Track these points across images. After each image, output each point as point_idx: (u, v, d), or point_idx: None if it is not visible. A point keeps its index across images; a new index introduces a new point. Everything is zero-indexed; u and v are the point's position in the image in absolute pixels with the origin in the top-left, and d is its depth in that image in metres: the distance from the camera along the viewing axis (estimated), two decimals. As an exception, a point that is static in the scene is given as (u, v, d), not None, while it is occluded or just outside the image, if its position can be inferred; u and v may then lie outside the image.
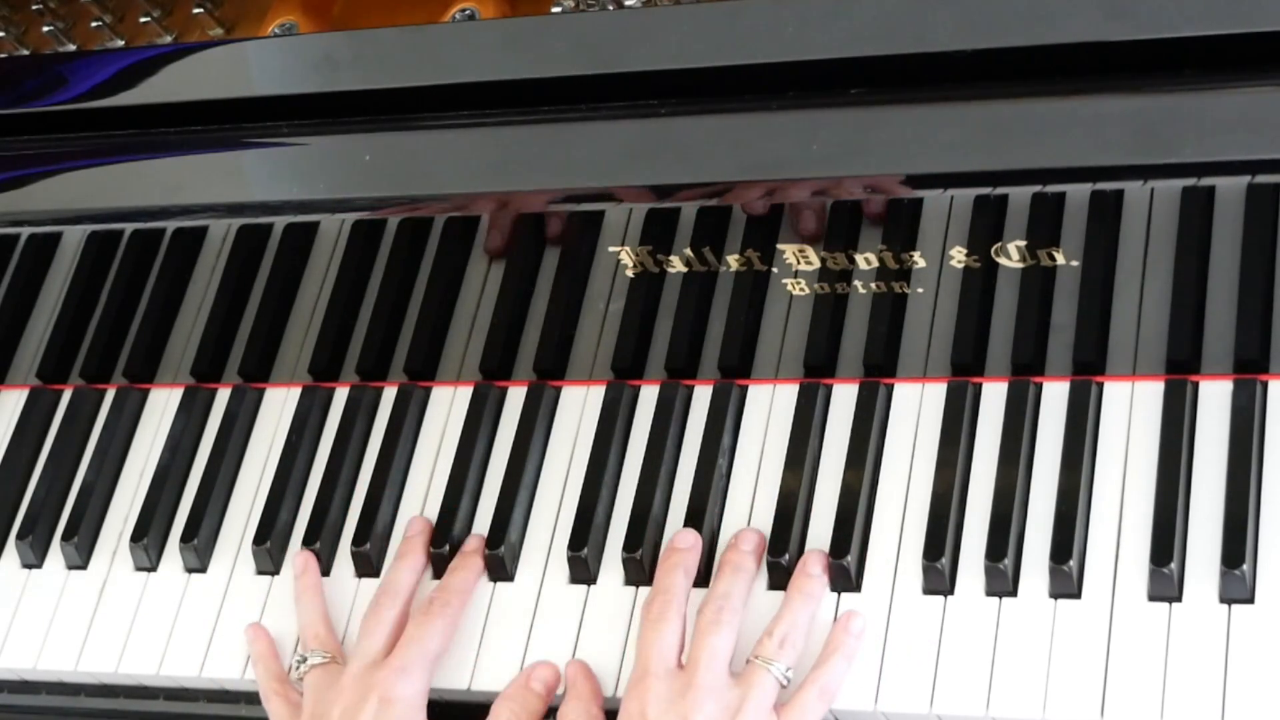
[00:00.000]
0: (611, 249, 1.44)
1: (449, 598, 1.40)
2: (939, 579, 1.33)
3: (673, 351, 1.47)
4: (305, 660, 1.41)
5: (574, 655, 1.38)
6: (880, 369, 1.42)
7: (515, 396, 1.52)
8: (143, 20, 1.55)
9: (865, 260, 1.39)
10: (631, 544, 1.40)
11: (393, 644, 1.39)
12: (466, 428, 1.51)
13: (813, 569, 1.35)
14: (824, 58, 1.31)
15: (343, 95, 1.44)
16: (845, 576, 1.35)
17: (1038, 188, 1.31)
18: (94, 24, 1.56)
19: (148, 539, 1.53)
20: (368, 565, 1.47)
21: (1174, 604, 1.28)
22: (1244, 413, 1.33)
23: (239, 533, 1.53)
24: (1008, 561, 1.31)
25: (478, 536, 1.45)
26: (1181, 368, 1.35)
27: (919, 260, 1.37)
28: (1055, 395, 1.38)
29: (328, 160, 1.45)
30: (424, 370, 1.54)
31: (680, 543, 1.38)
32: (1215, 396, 1.35)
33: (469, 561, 1.43)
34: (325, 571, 1.48)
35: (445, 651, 1.39)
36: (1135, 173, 1.27)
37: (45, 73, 1.53)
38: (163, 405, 1.62)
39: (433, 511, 1.48)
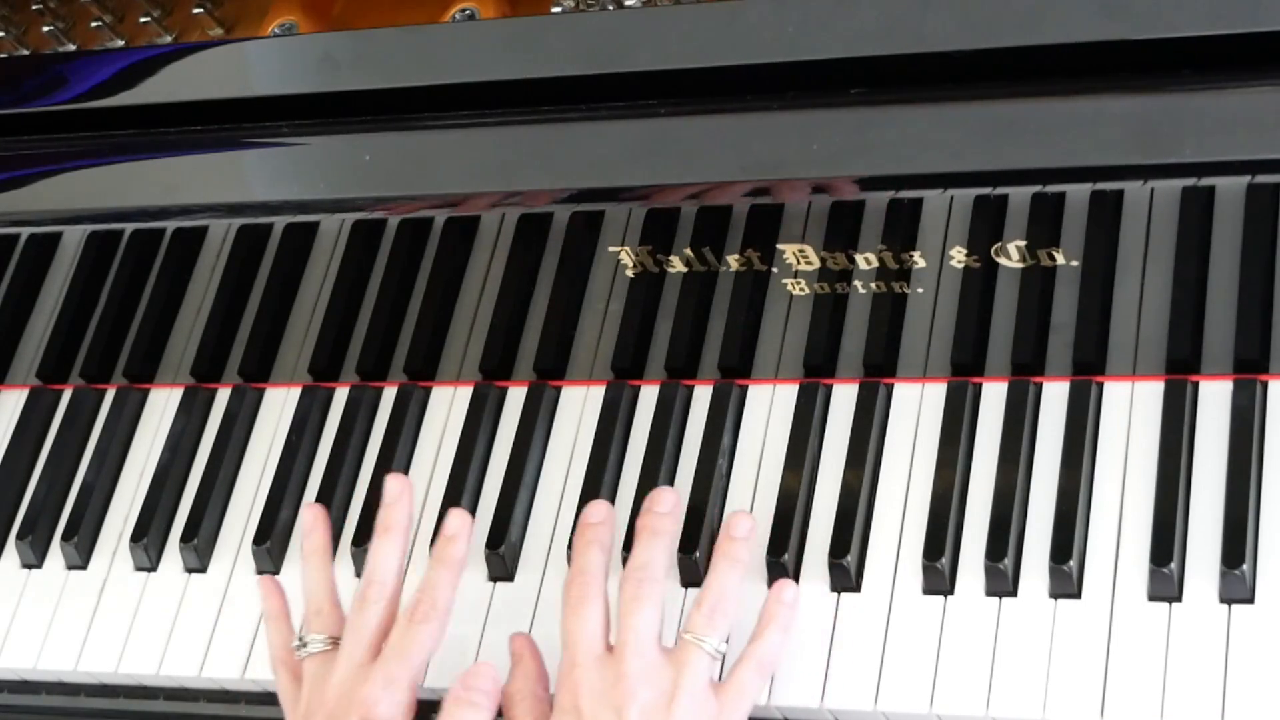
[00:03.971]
0: (611, 249, 1.44)
1: (434, 598, 1.33)
2: (939, 579, 1.33)
3: (673, 351, 1.47)
4: (305, 645, 1.36)
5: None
6: (880, 369, 1.42)
7: (515, 396, 1.52)
8: (143, 20, 1.55)
9: (865, 260, 1.39)
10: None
11: (378, 643, 1.33)
12: (466, 428, 1.51)
13: (736, 531, 1.33)
14: (824, 58, 1.32)
15: (343, 95, 1.44)
16: (845, 576, 1.35)
17: (1038, 188, 1.31)
18: (94, 24, 1.56)
19: (148, 539, 1.53)
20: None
21: (1174, 604, 1.28)
22: (1244, 413, 1.33)
23: (239, 533, 1.53)
24: (1008, 561, 1.31)
25: (457, 514, 1.38)
26: (1181, 368, 1.35)
27: (919, 260, 1.37)
28: (1055, 395, 1.38)
29: (328, 160, 1.45)
30: (424, 370, 1.54)
31: (592, 516, 1.35)
32: (1215, 396, 1.35)
33: (449, 551, 1.36)
34: (325, 571, 1.48)
35: (434, 654, 1.34)
36: (1135, 173, 1.27)
37: (45, 73, 1.53)
38: (163, 405, 1.62)
39: (433, 512, 1.48)
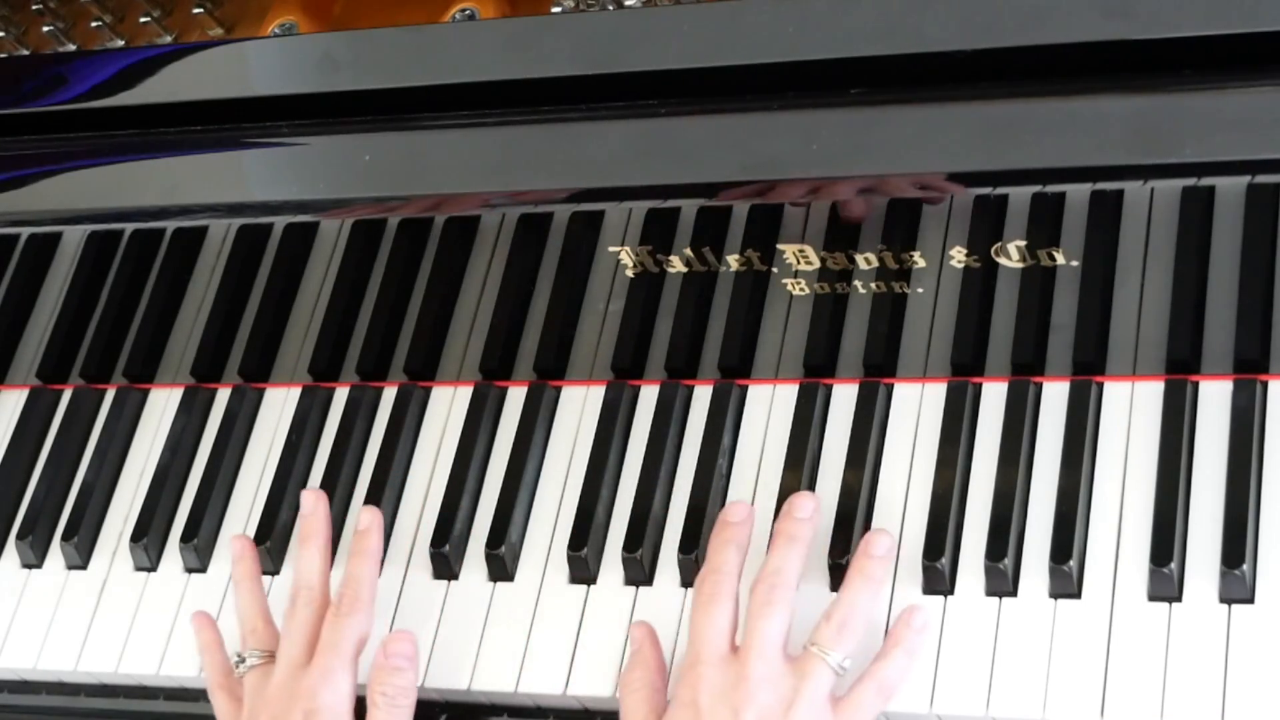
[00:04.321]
0: (611, 249, 1.44)
1: (357, 591, 1.39)
2: (939, 579, 1.33)
3: (673, 351, 1.47)
4: (244, 660, 1.41)
5: (573, 655, 1.38)
6: (880, 369, 1.42)
7: (515, 396, 1.52)
8: (143, 20, 1.55)
9: (865, 260, 1.39)
10: (631, 544, 1.40)
11: (311, 643, 1.38)
12: (466, 428, 1.51)
13: (875, 549, 1.31)
14: (824, 58, 1.31)
15: (343, 95, 1.44)
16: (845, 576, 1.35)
17: (1038, 188, 1.31)
18: (94, 24, 1.56)
19: (148, 539, 1.53)
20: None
21: (1174, 604, 1.28)
22: (1244, 413, 1.33)
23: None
24: (1008, 561, 1.31)
25: (369, 510, 1.44)
26: (1181, 368, 1.35)
27: (919, 260, 1.37)
28: (1055, 395, 1.38)
29: (328, 160, 1.45)
30: (424, 370, 1.54)
31: (732, 516, 1.35)
32: (1215, 396, 1.35)
33: (365, 544, 1.42)
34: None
35: (365, 643, 1.38)
36: (1135, 173, 1.27)
37: (45, 73, 1.53)
38: (163, 405, 1.62)
39: (433, 511, 1.48)
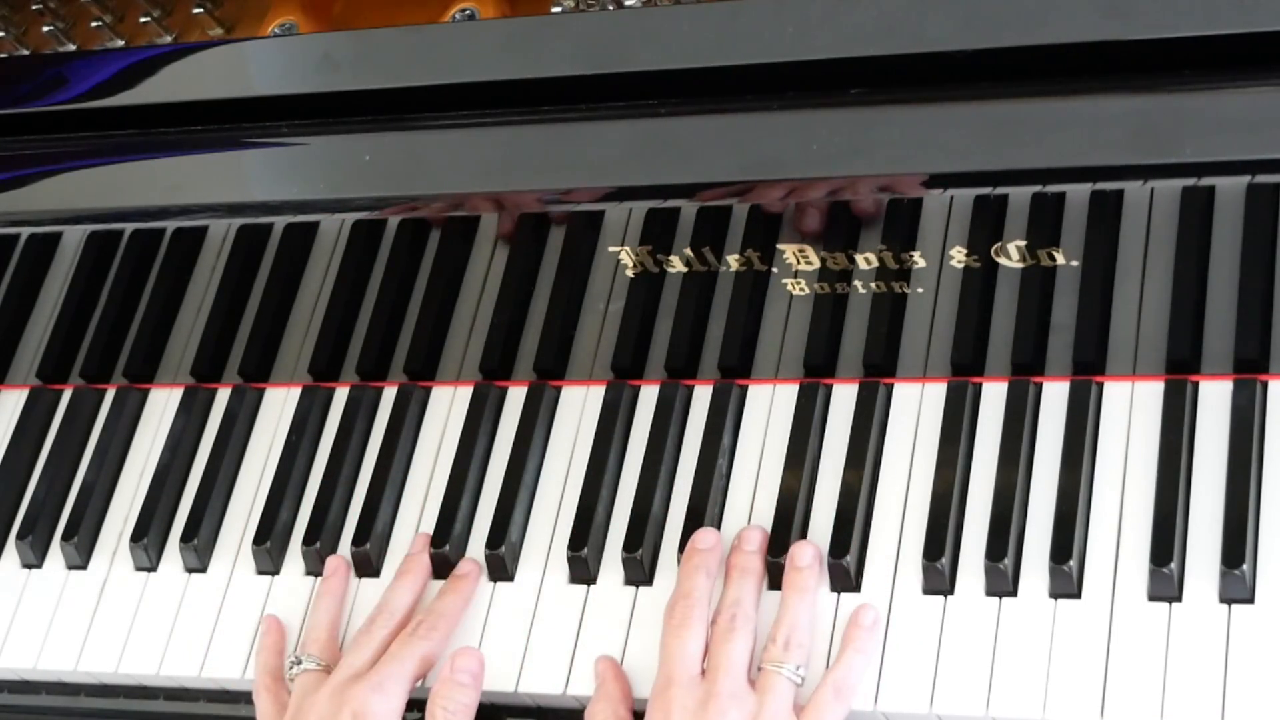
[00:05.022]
0: (611, 249, 1.44)
1: (436, 621, 1.40)
2: (939, 579, 1.33)
3: (673, 351, 1.47)
4: (299, 663, 1.41)
5: (573, 655, 1.38)
6: (880, 369, 1.42)
7: (515, 396, 1.52)
8: (143, 20, 1.55)
9: (865, 260, 1.38)
10: (631, 544, 1.40)
11: (378, 659, 1.39)
12: (466, 428, 1.51)
13: (800, 561, 1.35)
14: (824, 58, 1.31)
15: (343, 95, 1.44)
16: (845, 576, 1.35)
17: (1038, 188, 1.31)
18: (94, 24, 1.56)
19: (148, 539, 1.53)
20: (367, 565, 1.47)
21: (1174, 604, 1.28)
22: (1244, 413, 1.33)
23: (239, 533, 1.53)
24: (1008, 561, 1.31)
25: (471, 561, 1.45)
26: (1181, 368, 1.35)
27: (919, 260, 1.37)
28: (1055, 395, 1.38)
29: (328, 160, 1.45)
30: (424, 370, 1.54)
31: (700, 543, 1.38)
32: (1215, 396, 1.35)
33: (460, 586, 1.43)
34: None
35: (427, 673, 1.39)
36: (1135, 173, 1.27)
37: (45, 73, 1.53)
38: (163, 405, 1.62)
39: (433, 511, 1.48)
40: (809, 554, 1.35)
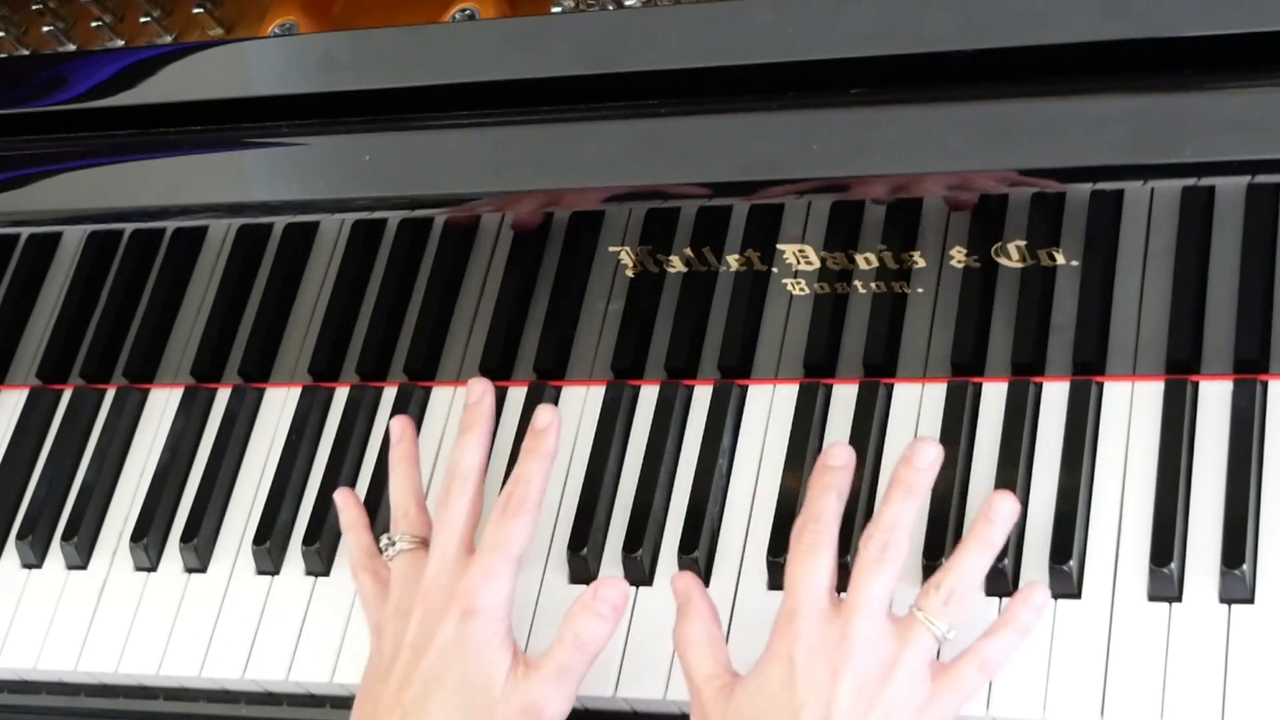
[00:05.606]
0: (611, 249, 1.44)
1: (527, 491, 1.34)
2: (939, 579, 1.33)
3: (673, 351, 1.47)
4: (394, 544, 1.37)
5: (574, 655, 1.38)
6: (880, 369, 1.42)
7: (515, 396, 1.52)
8: (143, 20, 1.55)
9: (865, 260, 1.38)
10: (631, 544, 1.40)
11: (469, 534, 1.35)
12: (466, 428, 1.51)
13: (996, 513, 1.25)
14: (824, 58, 1.31)
15: (343, 95, 1.44)
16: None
17: (1038, 188, 1.31)
18: (94, 24, 1.56)
19: (148, 539, 1.53)
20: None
21: (1174, 604, 1.28)
22: (1244, 413, 1.33)
23: (239, 533, 1.53)
24: (1008, 561, 1.31)
25: (549, 408, 1.39)
26: (1181, 368, 1.35)
27: (919, 260, 1.37)
28: (1055, 395, 1.38)
29: (328, 160, 1.45)
30: (424, 370, 1.54)
31: (833, 459, 1.28)
32: (1215, 396, 1.35)
33: (541, 444, 1.37)
34: (325, 571, 1.48)
35: (529, 548, 1.34)
36: (1135, 173, 1.27)
37: (45, 73, 1.53)
38: (163, 405, 1.62)
39: (433, 512, 1.48)
40: (1007, 508, 1.25)
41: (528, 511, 1.34)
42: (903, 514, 1.25)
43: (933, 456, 1.27)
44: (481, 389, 1.42)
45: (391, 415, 1.52)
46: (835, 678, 1.20)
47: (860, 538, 1.26)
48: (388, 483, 1.49)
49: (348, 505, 1.44)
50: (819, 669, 1.20)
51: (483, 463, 1.38)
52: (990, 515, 1.27)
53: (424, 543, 1.37)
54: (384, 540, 1.39)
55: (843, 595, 1.26)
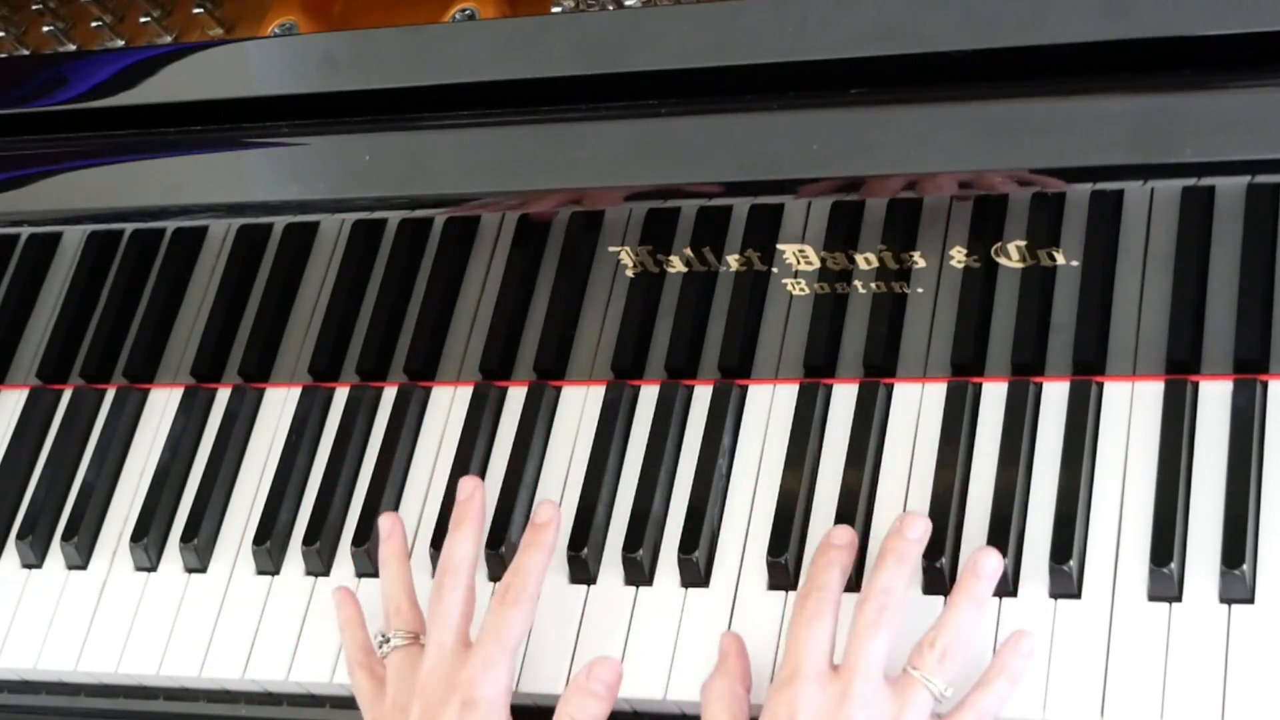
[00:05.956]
0: (611, 249, 1.44)
1: (525, 581, 1.35)
2: (939, 580, 1.33)
3: (673, 351, 1.47)
4: (388, 640, 1.38)
5: (574, 654, 1.38)
6: (880, 369, 1.42)
7: (515, 396, 1.52)
8: (143, 20, 1.55)
9: (865, 260, 1.38)
10: (631, 544, 1.40)
11: (465, 627, 1.35)
12: (466, 428, 1.51)
13: (983, 570, 1.28)
14: (824, 58, 1.31)
15: (343, 95, 1.44)
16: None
17: (1038, 188, 1.31)
18: (94, 24, 1.56)
19: (148, 539, 1.53)
20: (368, 565, 1.47)
21: (1174, 604, 1.28)
22: (1244, 413, 1.33)
23: (239, 533, 1.53)
24: (1008, 562, 1.31)
25: (549, 504, 1.40)
26: (1181, 368, 1.35)
27: (919, 260, 1.37)
28: (1055, 395, 1.38)
29: (328, 160, 1.45)
30: (424, 370, 1.54)
31: (837, 539, 1.32)
32: (1215, 396, 1.35)
33: (540, 537, 1.38)
34: (325, 571, 1.48)
35: (525, 639, 1.35)
36: (1135, 173, 1.27)
37: (45, 73, 1.53)
38: (163, 405, 1.62)
39: (433, 511, 1.48)
40: (993, 564, 1.29)
41: (525, 602, 1.35)
42: (896, 579, 1.28)
43: (922, 529, 1.31)
44: (471, 487, 1.42)
45: (391, 415, 1.53)
46: None
47: (856, 603, 1.28)
48: (385, 486, 1.49)
49: (344, 604, 1.43)
50: None
51: (475, 557, 1.39)
52: (978, 571, 1.29)
53: (417, 638, 1.38)
54: (378, 637, 1.39)
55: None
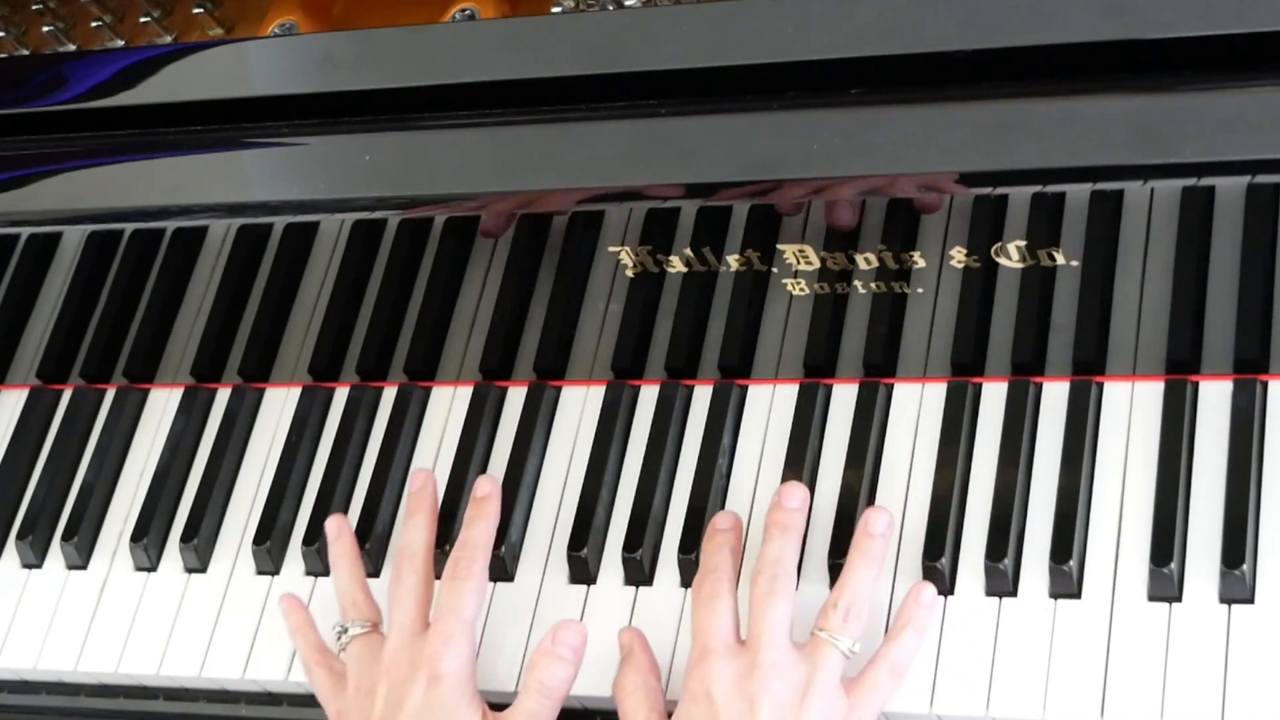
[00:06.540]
0: (611, 249, 1.44)
1: (473, 555, 1.38)
2: (939, 579, 1.33)
3: (673, 351, 1.47)
4: (346, 630, 1.40)
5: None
6: (880, 369, 1.42)
7: (515, 396, 1.52)
8: (143, 20, 1.55)
9: (865, 260, 1.39)
10: (631, 544, 1.40)
11: (424, 608, 1.37)
12: (466, 428, 1.51)
13: (874, 528, 1.32)
14: (824, 58, 1.31)
15: (343, 95, 1.44)
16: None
17: (1038, 188, 1.31)
18: (94, 24, 1.56)
19: (148, 539, 1.53)
20: (368, 564, 1.47)
21: (1174, 604, 1.28)
22: (1244, 413, 1.33)
23: (239, 533, 1.53)
24: (1008, 561, 1.31)
25: (489, 479, 1.43)
26: (1181, 368, 1.35)
27: (919, 260, 1.37)
28: (1055, 395, 1.38)
29: (328, 160, 1.45)
30: (424, 370, 1.54)
31: (721, 524, 1.36)
32: (1215, 396, 1.35)
33: (484, 509, 1.41)
34: (324, 571, 1.48)
35: (481, 610, 1.38)
36: (1135, 173, 1.27)
37: (45, 73, 1.53)
38: (163, 405, 1.62)
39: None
40: (883, 521, 1.32)
41: (476, 575, 1.37)
42: (784, 550, 1.32)
43: (800, 498, 1.35)
44: (423, 479, 1.45)
45: (391, 415, 1.53)
46: (754, 706, 1.25)
47: (750, 579, 1.31)
48: (385, 484, 1.49)
49: (291, 610, 1.45)
50: (737, 701, 1.25)
51: (430, 543, 1.41)
52: (869, 529, 1.32)
53: (376, 626, 1.40)
54: (336, 628, 1.41)
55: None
